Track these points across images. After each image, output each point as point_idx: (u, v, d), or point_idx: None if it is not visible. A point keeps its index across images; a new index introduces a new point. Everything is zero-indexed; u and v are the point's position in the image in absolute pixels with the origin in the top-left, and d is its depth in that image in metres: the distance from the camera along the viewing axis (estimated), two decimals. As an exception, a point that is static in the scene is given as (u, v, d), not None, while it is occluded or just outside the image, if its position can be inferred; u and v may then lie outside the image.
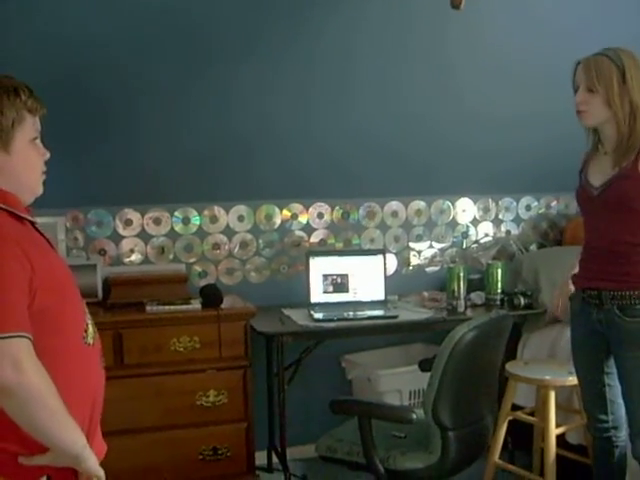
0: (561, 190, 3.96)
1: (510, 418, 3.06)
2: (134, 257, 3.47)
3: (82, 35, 2.72)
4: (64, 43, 2.72)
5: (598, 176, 2.34)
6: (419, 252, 3.90)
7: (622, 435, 2.49)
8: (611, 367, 2.41)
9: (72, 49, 2.75)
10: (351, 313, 3.26)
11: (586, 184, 2.38)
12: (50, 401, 1.37)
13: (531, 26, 3.17)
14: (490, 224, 4.02)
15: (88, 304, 1.63)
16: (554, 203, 4.11)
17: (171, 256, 3.51)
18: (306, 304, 3.38)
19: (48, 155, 1.59)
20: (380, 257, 3.55)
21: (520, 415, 3.09)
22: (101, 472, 1.48)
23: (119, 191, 3.35)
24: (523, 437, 3.25)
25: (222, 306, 3.09)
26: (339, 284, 3.47)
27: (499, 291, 3.52)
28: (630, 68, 2.22)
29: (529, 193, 4.06)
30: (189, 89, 3.05)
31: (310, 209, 3.70)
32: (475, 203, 3.98)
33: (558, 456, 2.89)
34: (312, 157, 3.46)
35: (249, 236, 3.61)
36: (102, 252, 3.41)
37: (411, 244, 3.88)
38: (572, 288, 2.48)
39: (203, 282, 3.44)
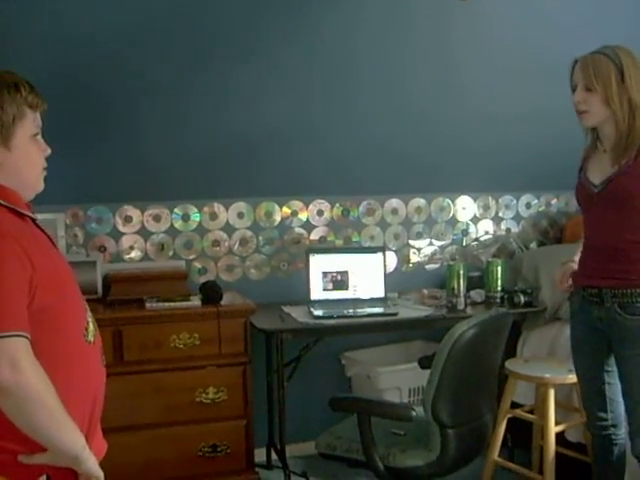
0: (561, 188, 3.96)
1: (509, 416, 3.06)
2: (134, 254, 3.46)
3: (83, 33, 2.73)
4: (65, 41, 2.72)
5: (598, 174, 2.34)
6: (419, 250, 3.90)
7: (621, 433, 2.49)
8: (611, 365, 2.41)
9: (73, 47, 2.75)
10: (351, 310, 3.26)
11: (586, 182, 2.38)
12: (48, 401, 1.36)
13: (533, 23, 3.17)
14: (490, 222, 4.02)
15: (88, 301, 1.62)
16: (554, 201, 4.11)
17: (171, 253, 3.51)
18: (306, 301, 3.38)
19: (49, 151, 1.57)
20: (380, 254, 3.54)
21: (519, 413, 3.09)
22: (100, 473, 1.47)
23: (119, 188, 3.34)
24: (522, 435, 3.25)
25: (222, 303, 3.09)
26: (339, 281, 3.47)
27: (499, 289, 3.52)
28: (628, 66, 2.21)
29: (529, 191, 4.06)
30: (189, 86, 3.05)
31: (310, 206, 3.70)
32: (475, 201, 3.98)
33: (557, 454, 2.89)
34: (312, 154, 3.46)
35: (249, 233, 3.61)
36: (102, 249, 3.41)
37: (411, 241, 3.89)
38: (575, 266, 2.47)
39: (203, 279, 3.44)
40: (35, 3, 2.59)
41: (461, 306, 3.39)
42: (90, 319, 1.55)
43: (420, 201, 3.88)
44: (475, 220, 3.99)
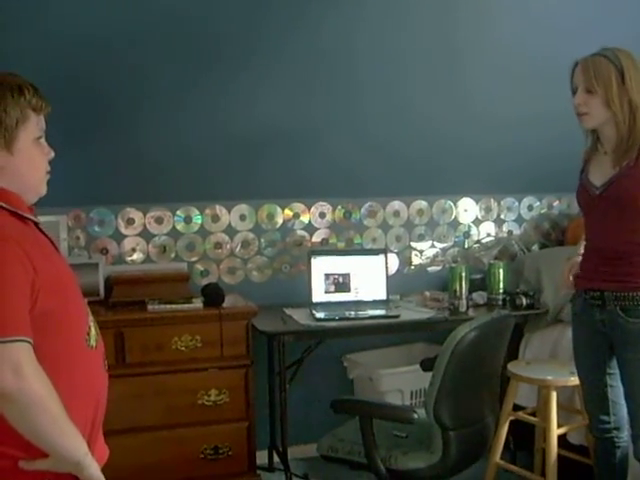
0: (563, 190, 3.96)
1: (512, 418, 3.05)
2: (136, 256, 3.47)
3: (86, 35, 2.73)
4: (67, 42, 2.72)
5: (599, 176, 2.33)
6: (421, 252, 3.90)
7: (624, 436, 2.48)
8: (613, 368, 2.40)
9: (75, 48, 2.76)
10: (353, 313, 3.26)
11: (587, 184, 2.38)
12: (51, 407, 1.34)
13: (534, 26, 3.17)
14: (492, 224, 4.01)
15: (90, 303, 1.61)
16: (556, 203, 4.11)
17: (173, 255, 3.51)
18: (308, 303, 3.38)
19: (52, 154, 1.55)
20: (382, 257, 3.54)
21: (522, 415, 3.09)
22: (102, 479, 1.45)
23: (121, 190, 3.35)
24: (525, 437, 3.25)
25: (224, 305, 3.09)
26: (341, 283, 3.47)
27: (501, 291, 3.51)
28: (629, 68, 2.21)
29: (531, 193, 4.05)
30: (190, 88, 3.05)
31: (312, 208, 3.69)
32: (477, 203, 3.98)
33: (559, 456, 2.89)
34: (314, 157, 3.46)
35: (251, 235, 3.61)
36: (104, 251, 3.41)
37: (413, 244, 3.88)
38: (578, 260, 2.46)
39: (205, 281, 3.44)
40: (38, 4, 2.59)
41: (463, 308, 3.39)
42: (92, 324, 1.54)
43: (422, 203, 3.88)
44: (477, 222, 3.99)
